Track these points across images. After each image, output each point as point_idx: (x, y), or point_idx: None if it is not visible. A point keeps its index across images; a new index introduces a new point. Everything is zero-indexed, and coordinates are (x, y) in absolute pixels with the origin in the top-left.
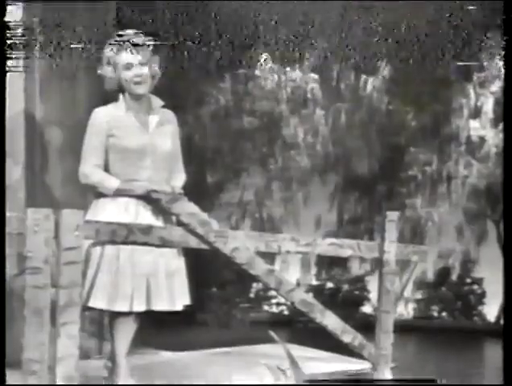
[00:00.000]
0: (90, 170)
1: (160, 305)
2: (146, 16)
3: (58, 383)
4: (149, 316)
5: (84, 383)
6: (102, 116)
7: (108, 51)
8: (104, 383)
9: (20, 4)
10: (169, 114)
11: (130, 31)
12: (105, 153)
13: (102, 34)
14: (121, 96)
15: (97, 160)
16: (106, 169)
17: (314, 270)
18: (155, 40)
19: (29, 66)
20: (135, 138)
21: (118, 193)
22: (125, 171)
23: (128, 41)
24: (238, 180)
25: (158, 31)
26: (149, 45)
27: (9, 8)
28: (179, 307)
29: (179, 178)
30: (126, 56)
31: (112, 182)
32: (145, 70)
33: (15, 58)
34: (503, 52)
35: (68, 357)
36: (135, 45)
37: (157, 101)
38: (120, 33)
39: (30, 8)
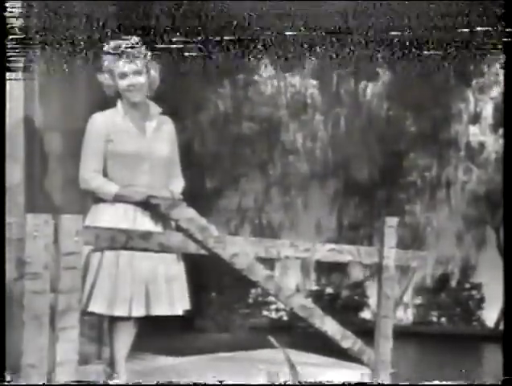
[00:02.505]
0: (90, 175)
1: (160, 309)
2: (145, 21)
3: (58, 384)
4: (148, 321)
5: (83, 383)
6: (100, 121)
7: (104, 60)
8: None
9: (18, 7)
10: (166, 120)
11: (126, 39)
12: (104, 158)
13: (101, 38)
14: (119, 101)
15: (96, 165)
16: (105, 174)
17: (313, 276)
18: (153, 46)
19: (28, 71)
20: (132, 143)
21: (117, 199)
22: (123, 176)
23: (123, 50)
24: (237, 186)
25: (156, 36)
26: (146, 52)
27: (8, 13)
28: (179, 312)
29: (178, 184)
30: (121, 65)
31: (111, 188)
32: (140, 79)
33: (15, 63)
34: (502, 58)
35: (67, 362)
36: (131, 53)
37: (155, 108)
38: (116, 41)
39: (29, 12)
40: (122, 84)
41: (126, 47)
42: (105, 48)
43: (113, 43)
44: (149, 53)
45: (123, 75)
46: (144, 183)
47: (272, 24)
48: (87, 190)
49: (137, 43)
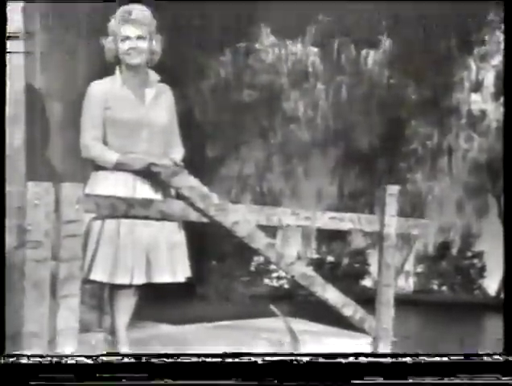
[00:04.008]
0: (90, 142)
1: (161, 277)
2: None
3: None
4: (149, 289)
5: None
6: (98, 89)
7: (111, 23)
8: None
9: None
10: (165, 88)
11: (135, 6)
12: (103, 126)
13: (105, 6)
14: (117, 69)
15: (96, 133)
16: (104, 142)
17: (314, 244)
18: (156, 13)
19: (30, 40)
20: (131, 111)
21: (118, 167)
22: (121, 144)
23: (130, 15)
24: (238, 154)
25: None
26: (151, 21)
27: None
28: (180, 279)
29: (178, 152)
30: (126, 29)
31: (112, 156)
32: (142, 44)
33: (15, 32)
34: (503, 26)
35: (68, 330)
36: (137, 19)
37: (153, 75)
38: (125, 7)
39: None
40: (123, 47)
41: (133, 14)
42: (113, 14)
43: (121, 9)
44: (154, 22)
45: (126, 39)
46: (143, 151)
47: None
48: (88, 158)
49: (144, 11)
